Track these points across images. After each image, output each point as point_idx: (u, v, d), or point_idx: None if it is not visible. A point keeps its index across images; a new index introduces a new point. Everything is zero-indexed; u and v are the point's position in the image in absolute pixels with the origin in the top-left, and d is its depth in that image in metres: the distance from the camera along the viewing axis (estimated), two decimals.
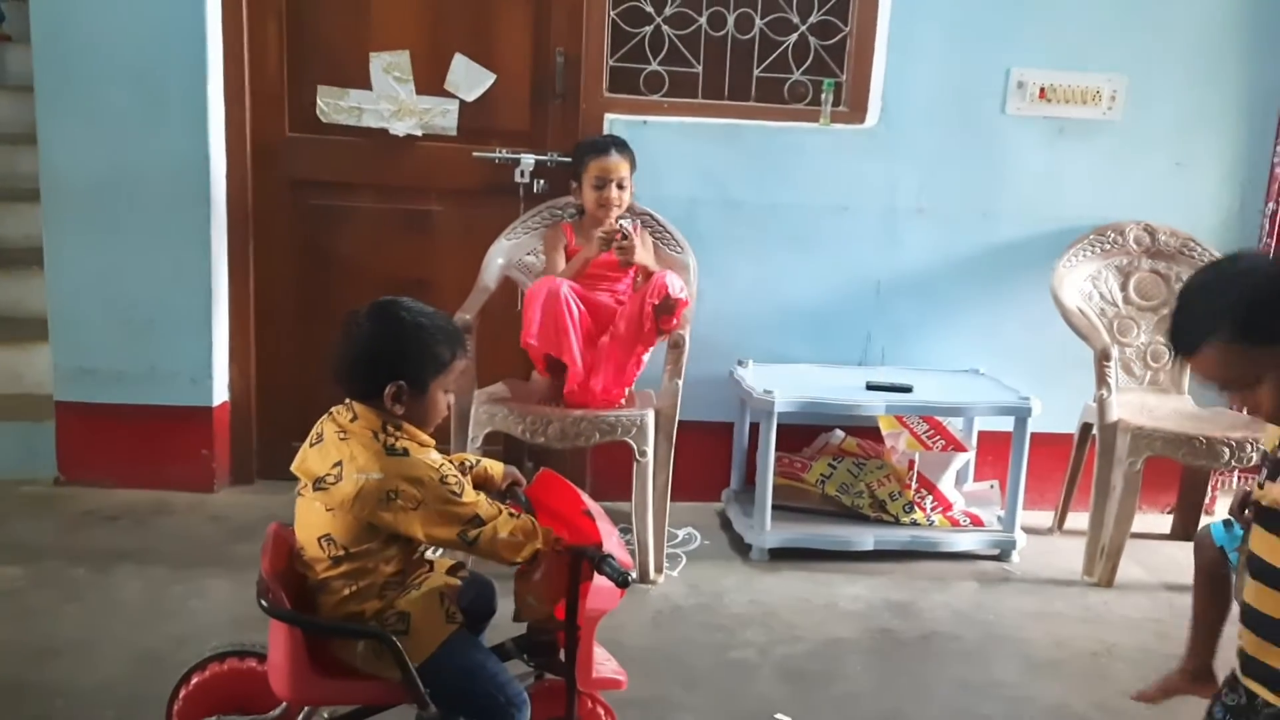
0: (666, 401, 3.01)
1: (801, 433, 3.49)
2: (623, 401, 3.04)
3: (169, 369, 3.33)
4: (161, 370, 3.32)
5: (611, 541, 1.82)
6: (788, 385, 3.18)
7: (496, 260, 3.26)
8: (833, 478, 3.38)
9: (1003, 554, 3.30)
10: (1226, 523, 2.13)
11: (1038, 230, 3.55)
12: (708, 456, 3.50)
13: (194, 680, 1.88)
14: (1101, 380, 3.19)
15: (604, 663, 1.95)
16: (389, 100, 3.40)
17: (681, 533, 3.32)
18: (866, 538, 3.23)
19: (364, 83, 3.38)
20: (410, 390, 1.77)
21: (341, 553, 1.75)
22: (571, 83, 3.42)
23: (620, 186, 3.10)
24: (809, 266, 3.51)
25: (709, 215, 3.42)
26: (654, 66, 3.45)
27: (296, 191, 3.44)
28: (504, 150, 3.42)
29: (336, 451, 1.74)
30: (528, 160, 3.40)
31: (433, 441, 1.82)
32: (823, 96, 3.45)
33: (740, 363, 3.42)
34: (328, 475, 1.73)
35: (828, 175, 3.46)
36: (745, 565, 3.17)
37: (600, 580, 1.77)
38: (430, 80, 3.39)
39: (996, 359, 3.54)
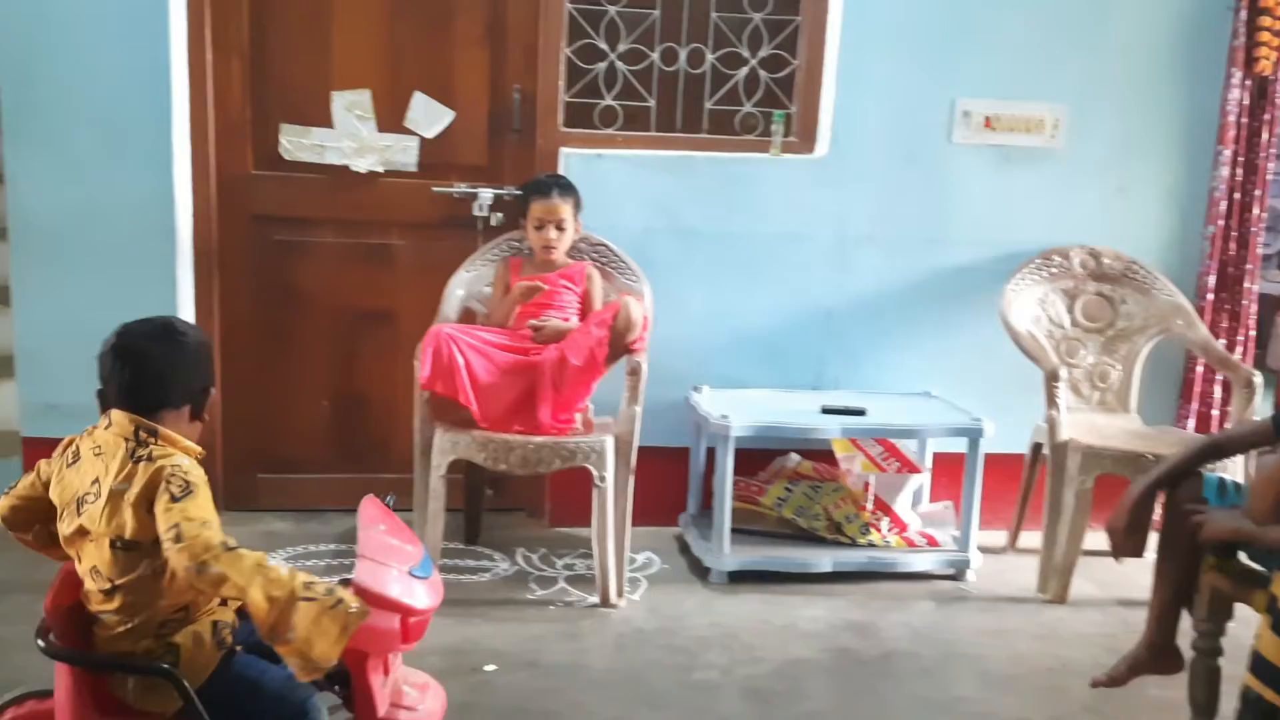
0: (625, 427, 3.06)
1: (757, 456, 3.55)
2: (577, 428, 3.10)
3: None
4: None
5: (379, 577, 1.75)
6: (743, 410, 3.24)
7: (457, 292, 3.32)
8: (789, 501, 3.44)
9: (958, 573, 3.36)
10: (1223, 482, 2.16)
11: (986, 255, 3.65)
12: (664, 481, 3.55)
13: (8, 716, 1.84)
14: (1051, 400, 3.28)
15: (414, 705, 1.88)
16: (351, 138, 3.46)
17: (640, 557, 3.37)
18: (824, 559, 3.28)
19: (326, 121, 3.44)
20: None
21: (109, 585, 1.69)
22: (528, 118, 3.50)
23: (560, 228, 3.19)
24: (762, 293, 3.59)
25: (663, 244, 3.50)
26: (608, 101, 3.53)
27: (260, 227, 3.49)
28: (463, 185, 3.49)
29: (92, 468, 1.70)
30: (485, 194, 3.48)
31: (201, 452, 1.78)
32: (773, 128, 3.54)
33: (695, 388, 3.48)
34: (87, 494, 1.69)
35: (779, 204, 3.55)
36: (705, 588, 3.21)
37: (373, 620, 1.68)
38: (391, 118, 3.46)
39: (948, 382, 3.62)
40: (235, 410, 3.54)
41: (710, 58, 3.55)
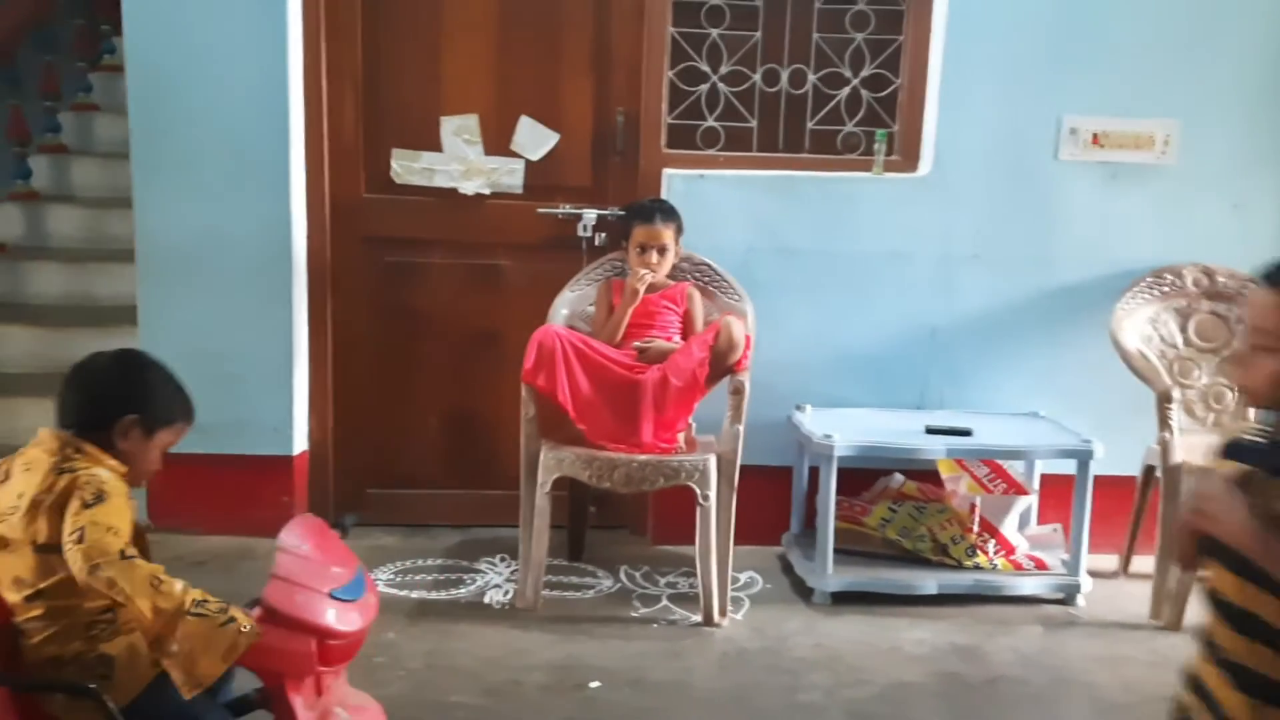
0: (728, 446, 3.08)
1: (861, 476, 3.53)
2: (680, 447, 3.13)
3: (253, 420, 3.49)
4: (246, 421, 3.48)
5: (288, 598, 1.75)
6: (847, 429, 3.23)
7: (561, 311, 3.38)
8: (894, 521, 3.42)
9: (1068, 598, 3.29)
10: None
11: (1094, 274, 3.58)
12: (767, 500, 3.55)
13: None
14: (1164, 422, 3.20)
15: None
16: (459, 161, 3.56)
17: (743, 576, 3.37)
18: (929, 581, 3.25)
19: (435, 145, 3.55)
20: (140, 429, 1.80)
21: (32, 590, 1.72)
22: (631, 140, 3.56)
23: (661, 252, 3.23)
24: (865, 312, 3.58)
25: (765, 264, 3.52)
26: (710, 122, 3.57)
27: (372, 249, 3.61)
28: (567, 206, 3.56)
29: (20, 484, 1.74)
30: (590, 215, 3.54)
31: (124, 469, 1.81)
32: (875, 147, 3.54)
33: (798, 407, 3.48)
34: (13, 508, 1.73)
35: (882, 223, 3.54)
36: (808, 608, 3.21)
37: (285, 640, 1.72)
38: (497, 141, 3.55)
39: (1056, 402, 3.56)
40: (346, 425, 3.66)
41: (812, 78, 3.57)
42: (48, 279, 4.34)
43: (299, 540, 1.89)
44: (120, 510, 1.73)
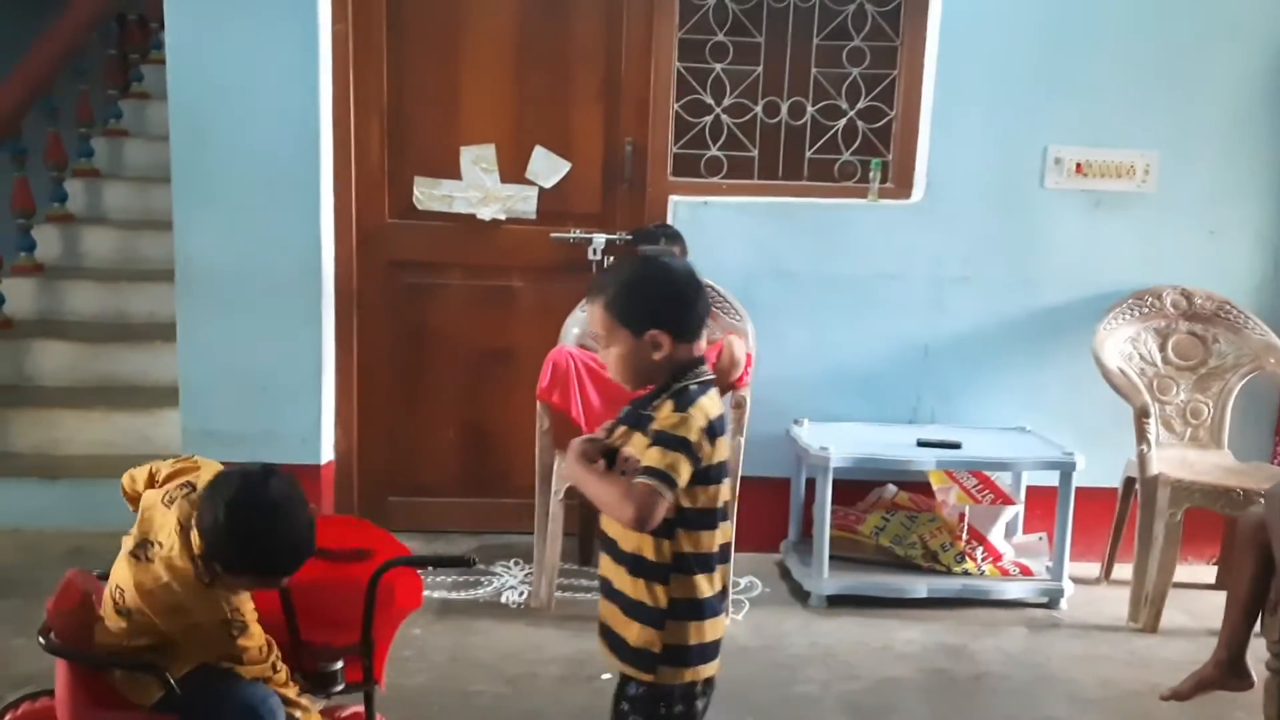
0: (730, 457, 3.27)
1: (855, 487, 3.73)
2: None
3: (283, 431, 3.69)
4: (276, 432, 3.68)
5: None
6: (842, 442, 3.43)
7: (572, 330, 3.58)
8: (886, 530, 3.60)
9: (1051, 602, 3.48)
10: None
11: (1078, 296, 3.78)
12: (766, 510, 3.73)
13: (7, 718, 1.99)
14: (1141, 436, 3.39)
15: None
16: (476, 188, 3.77)
17: (744, 580, 3.56)
18: (920, 586, 3.44)
19: (454, 173, 3.76)
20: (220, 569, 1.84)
21: (126, 608, 1.85)
22: (639, 169, 3.77)
23: None
24: (860, 332, 3.78)
25: (765, 286, 3.72)
26: (714, 151, 3.78)
27: (395, 271, 3.82)
28: (578, 231, 3.77)
29: (167, 536, 1.83)
30: (599, 240, 3.74)
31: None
32: (871, 175, 3.75)
33: (796, 422, 3.68)
34: (155, 544, 1.83)
35: (876, 247, 3.75)
36: (805, 610, 3.40)
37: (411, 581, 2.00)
38: (513, 169, 3.76)
39: (1041, 417, 3.75)
40: (369, 438, 3.87)
41: (810, 110, 3.78)
42: (84, 297, 4.55)
43: None
44: (239, 622, 1.89)
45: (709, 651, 1.80)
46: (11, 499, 3.75)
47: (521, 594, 3.41)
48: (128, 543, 1.90)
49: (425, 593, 3.30)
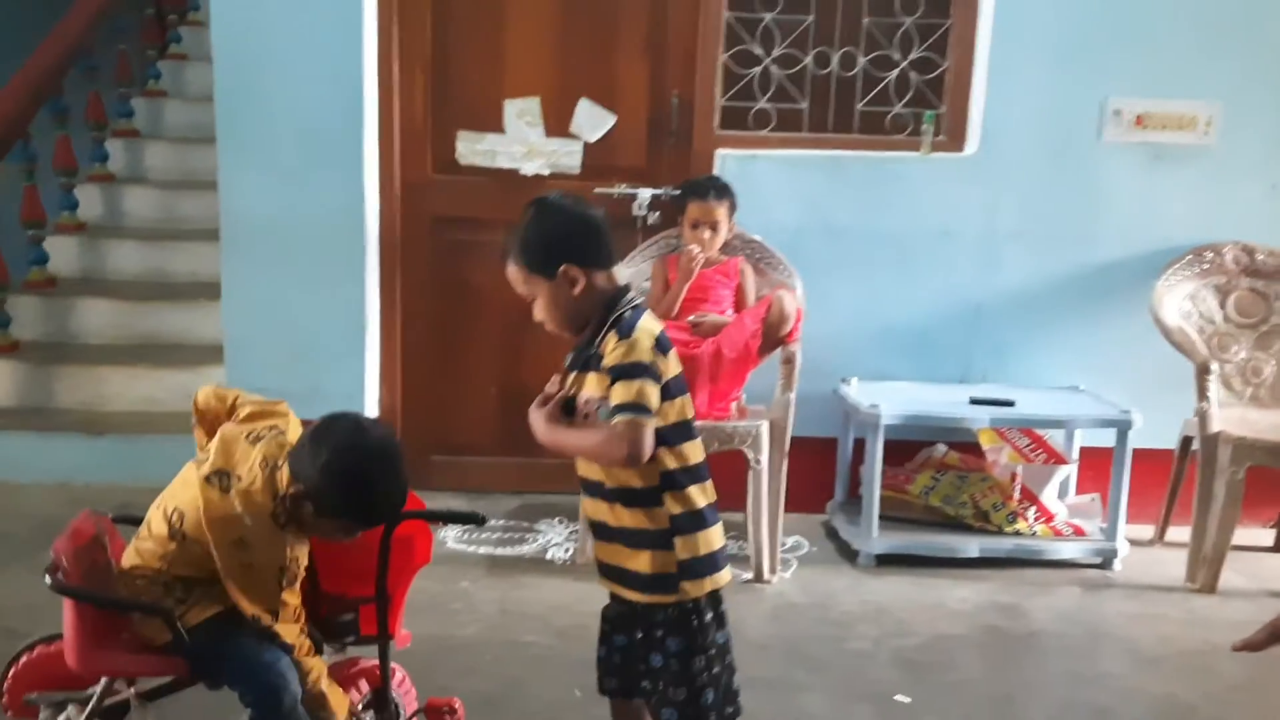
0: (779, 413, 3.23)
1: (904, 448, 3.65)
2: (732, 415, 3.27)
3: (326, 387, 3.65)
4: (320, 389, 3.64)
5: None
6: (892, 400, 3.37)
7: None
8: (936, 489, 3.55)
9: (1105, 562, 3.41)
10: None
11: (1135, 252, 3.69)
12: (812, 471, 3.67)
13: (24, 659, 2.02)
14: (1202, 393, 3.31)
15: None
16: (520, 143, 3.72)
17: (789, 540, 3.51)
18: (971, 545, 3.38)
19: (498, 127, 3.71)
20: (310, 510, 1.83)
21: (181, 536, 1.86)
22: (685, 122, 3.70)
23: (714, 229, 3.35)
24: (910, 289, 3.71)
25: (814, 242, 3.65)
26: (762, 104, 3.71)
27: (437, 227, 3.78)
28: (623, 186, 3.71)
29: (248, 471, 1.83)
30: (644, 194, 3.69)
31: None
32: (923, 128, 3.66)
33: (844, 381, 3.62)
34: (235, 476, 1.83)
35: (928, 202, 3.67)
36: (854, 569, 3.35)
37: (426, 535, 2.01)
38: (557, 123, 3.71)
39: (1095, 377, 3.67)
40: (412, 396, 3.85)
41: (862, 60, 3.69)
42: (125, 256, 4.56)
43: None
44: (292, 572, 1.89)
45: (719, 560, 1.83)
46: (58, 454, 3.77)
47: (567, 550, 3.39)
48: (195, 469, 1.89)
49: (471, 549, 3.36)
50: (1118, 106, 3.63)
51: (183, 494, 1.89)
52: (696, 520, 1.78)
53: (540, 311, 1.85)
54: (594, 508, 1.84)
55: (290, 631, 1.87)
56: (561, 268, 1.79)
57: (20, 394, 4.00)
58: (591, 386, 1.77)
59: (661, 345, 1.77)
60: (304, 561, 1.89)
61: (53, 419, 3.91)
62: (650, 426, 1.70)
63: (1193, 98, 3.63)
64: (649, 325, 1.77)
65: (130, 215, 4.80)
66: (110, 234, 4.66)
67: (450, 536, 3.45)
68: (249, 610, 1.84)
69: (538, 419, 1.82)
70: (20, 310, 4.21)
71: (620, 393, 1.70)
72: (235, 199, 3.60)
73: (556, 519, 3.63)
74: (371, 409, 3.77)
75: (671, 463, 1.76)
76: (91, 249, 4.57)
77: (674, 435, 1.77)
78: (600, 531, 1.85)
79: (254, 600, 1.83)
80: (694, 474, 1.80)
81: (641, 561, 1.78)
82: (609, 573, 1.85)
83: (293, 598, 1.87)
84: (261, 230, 3.61)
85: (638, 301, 1.82)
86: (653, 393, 1.72)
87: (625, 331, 1.74)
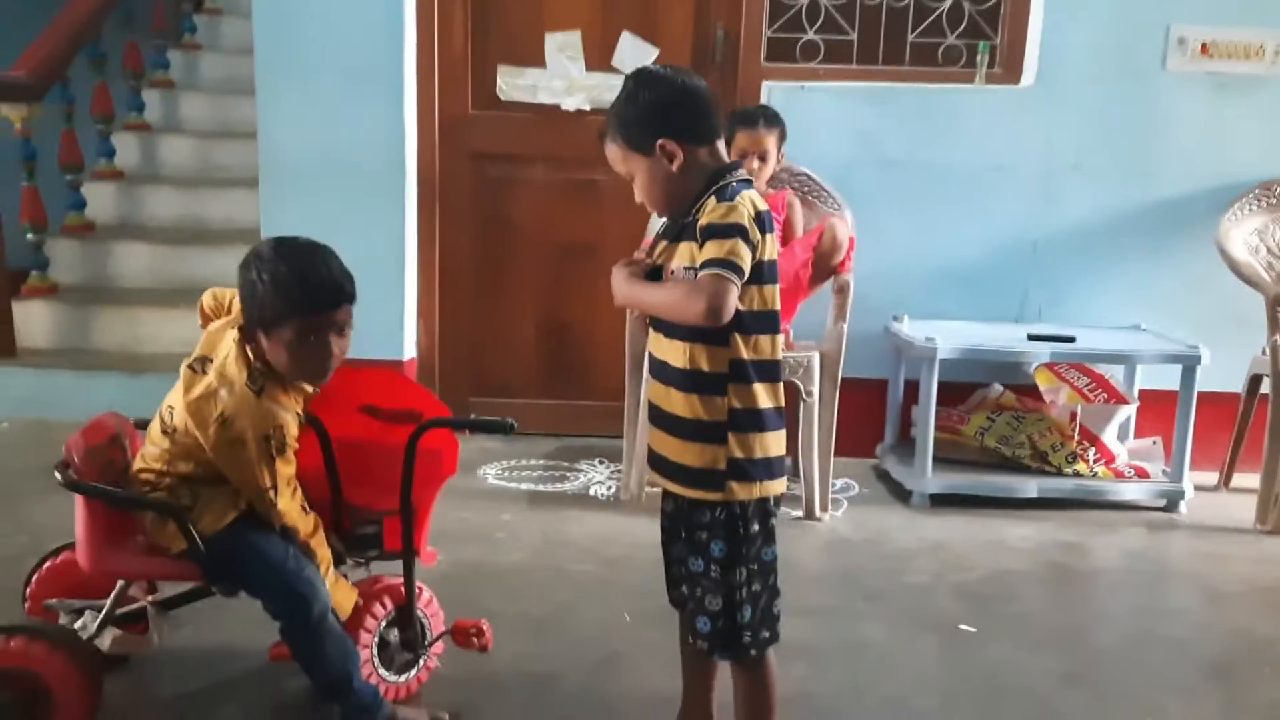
0: (831, 344, 3.13)
1: (957, 389, 3.54)
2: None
3: (365, 326, 3.47)
4: (358, 327, 3.49)
5: None
6: (947, 336, 3.25)
7: (659, 224, 3.43)
8: (992, 430, 3.43)
9: (1170, 504, 3.29)
10: None
11: (1198, 187, 3.55)
12: (862, 413, 3.56)
13: (46, 565, 2.01)
14: (1274, 326, 3.18)
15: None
16: (561, 78, 3.63)
17: (839, 483, 3.41)
18: (1029, 486, 3.27)
19: (539, 61, 3.62)
20: (252, 336, 1.80)
21: (172, 429, 1.83)
22: (730, 54, 3.60)
23: (763, 158, 3.22)
24: (964, 224, 3.58)
25: (864, 175, 3.54)
26: (810, 35, 3.60)
27: (477, 163, 3.70)
28: None
29: (222, 349, 1.82)
30: None
31: (302, 394, 1.87)
32: (978, 59, 3.53)
33: (895, 318, 3.51)
34: (211, 359, 1.82)
35: (983, 135, 3.54)
36: (907, 509, 3.25)
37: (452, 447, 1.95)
38: (599, 57, 3.61)
39: (1157, 315, 3.54)
40: (450, 337, 3.78)
41: None
42: (163, 203, 4.52)
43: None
44: (286, 439, 1.82)
45: (775, 467, 1.69)
46: (99, 391, 3.70)
47: (610, 488, 3.30)
48: (186, 363, 1.87)
49: (512, 485, 3.29)
50: (1181, 34, 3.49)
51: (176, 389, 1.86)
52: (756, 420, 1.67)
53: (640, 192, 1.73)
54: (656, 389, 1.74)
55: (291, 507, 1.81)
56: (659, 142, 1.66)
57: (59, 335, 3.97)
58: (684, 256, 1.65)
59: (763, 221, 1.64)
60: (293, 431, 1.81)
61: (93, 358, 3.88)
62: (736, 285, 1.57)
63: (1260, 25, 3.48)
64: (753, 197, 1.64)
65: (166, 164, 4.76)
66: (147, 180, 4.63)
67: (490, 473, 3.37)
68: (248, 491, 1.80)
69: (619, 276, 1.73)
70: (59, 254, 4.19)
71: (711, 249, 1.58)
72: (275, 137, 3.54)
73: (597, 459, 3.55)
74: (410, 349, 3.71)
75: (745, 352, 1.65)
76: (129, 195, 4.53)
77: (754, 323, 1.65)
78: (655, 416, 1.74)
79: (249, 479, 1.77)
80: (765, 371, 1.67)
81: (690, 453, 1.67)
82: (657, 463, 1.75)
83: (286, 467, 1.80)
84: (300, 165, 3.54)
85: (744, 176, 1.69)
86: (745, 254, 1.58)
87: (727, 196, 1.62)
